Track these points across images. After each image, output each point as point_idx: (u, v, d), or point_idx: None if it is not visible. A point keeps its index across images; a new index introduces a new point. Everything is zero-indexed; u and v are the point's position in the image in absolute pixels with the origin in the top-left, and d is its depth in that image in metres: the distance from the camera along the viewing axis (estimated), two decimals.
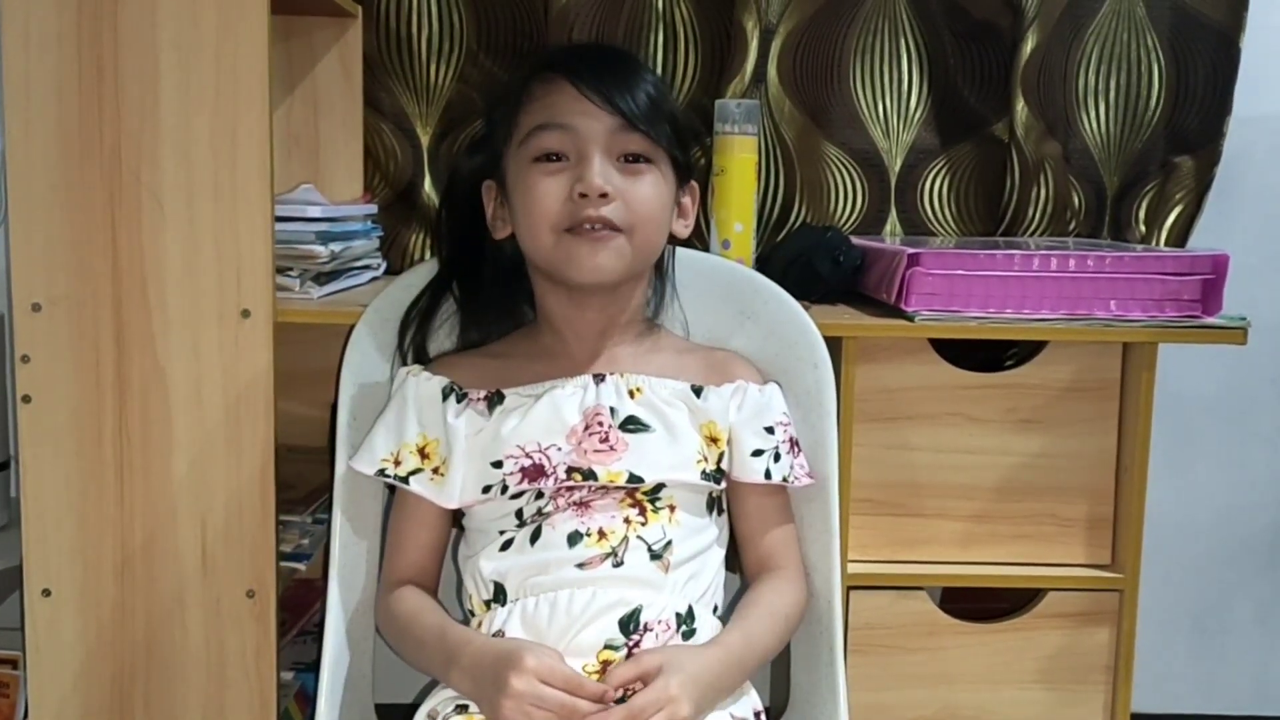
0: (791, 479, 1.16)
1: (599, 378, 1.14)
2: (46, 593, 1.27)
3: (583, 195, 1.08)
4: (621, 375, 1.15)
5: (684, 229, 1.19)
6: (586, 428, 1.12)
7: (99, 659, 1.29)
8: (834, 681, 1.19)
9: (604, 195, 1.08)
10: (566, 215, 1.08)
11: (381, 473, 1.14)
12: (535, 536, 1.10)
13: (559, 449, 1.11)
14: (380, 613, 1.16)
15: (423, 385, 1.15)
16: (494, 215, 1.18)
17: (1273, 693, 1.99)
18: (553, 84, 1.12)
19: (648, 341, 1.20)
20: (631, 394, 1.14)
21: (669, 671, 1.01)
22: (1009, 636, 1.43)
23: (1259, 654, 1.98)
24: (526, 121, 1.11)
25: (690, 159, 1.18)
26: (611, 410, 1.13)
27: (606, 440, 1.11)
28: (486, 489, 1.12)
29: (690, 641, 1.08)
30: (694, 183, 1.20)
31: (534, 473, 1.10)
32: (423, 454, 1.14)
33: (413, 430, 1.14)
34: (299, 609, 1.61)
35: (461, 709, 1.04)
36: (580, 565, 1.08)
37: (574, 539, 1.09)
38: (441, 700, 1.07)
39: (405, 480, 1.14)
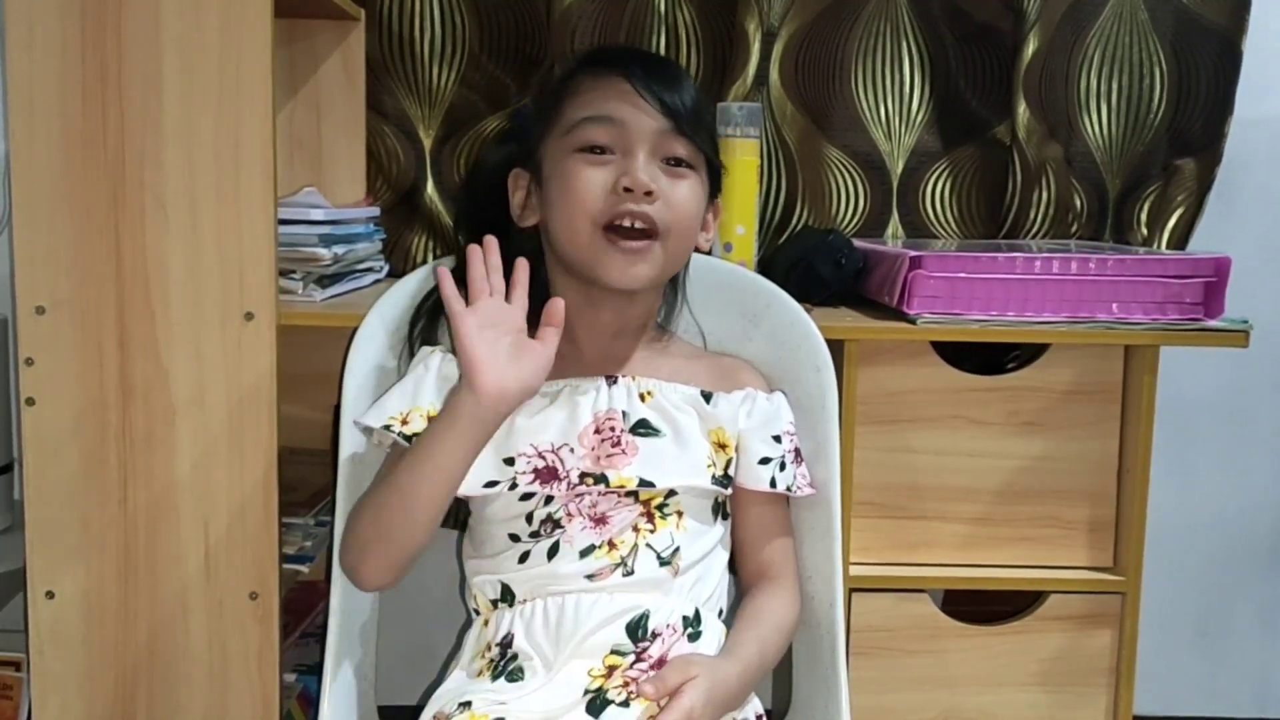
0: (795, 489, 1.16)
1: (611, 379, 1.15)
2: (50, 595, 1.28)
3: (627, 190, 1.08)
4: (633, 378, 1.15)
5: (705, 242, 1.19)
6: (598, 430, 1.12)
7: (102, 661, 1.29)
8: (836, 684, 1.19)
9: (649, 193, 1.08)
10: (607, 208, 1.08)
11: (387, 428, 1.11)
12: (553, 553, 1.10)
13: (571, 451, 1.11)
14: (346, 535, 1.13)
15: (445, 364, 1.14)
16: (522, 204, 1.18)
17: (1275, 696, 1.99)
18: (604, 79, 1.12)
19: (658, 346, 1.20)
20: (642, 397, 1.14)
21: (697, 687, 1.01)
22: (1011, 639, 1.44)
23: (1261, 657, 1.98)
24: (573, 113, 1.12)
25: (721, 173, 1.19)
26: (623, 414, 1.13)
27: (618, 445, 1.11)
28: (492, 484, 1.11)
29: (696, 644, 1.08)
30: (719, 200, 1.20)
31: (547, 475, 1.10)
32: (432, 420, 1.12)
33: (428, 398, 1.11)
34: (302, 611, 1.61)
35: (465, 706, 1.05)
36: (590, 576, 1.09)
37: (585, 552, 1.09)
38: (446, 700, 1.08)
39: (409, 440, 1.10)
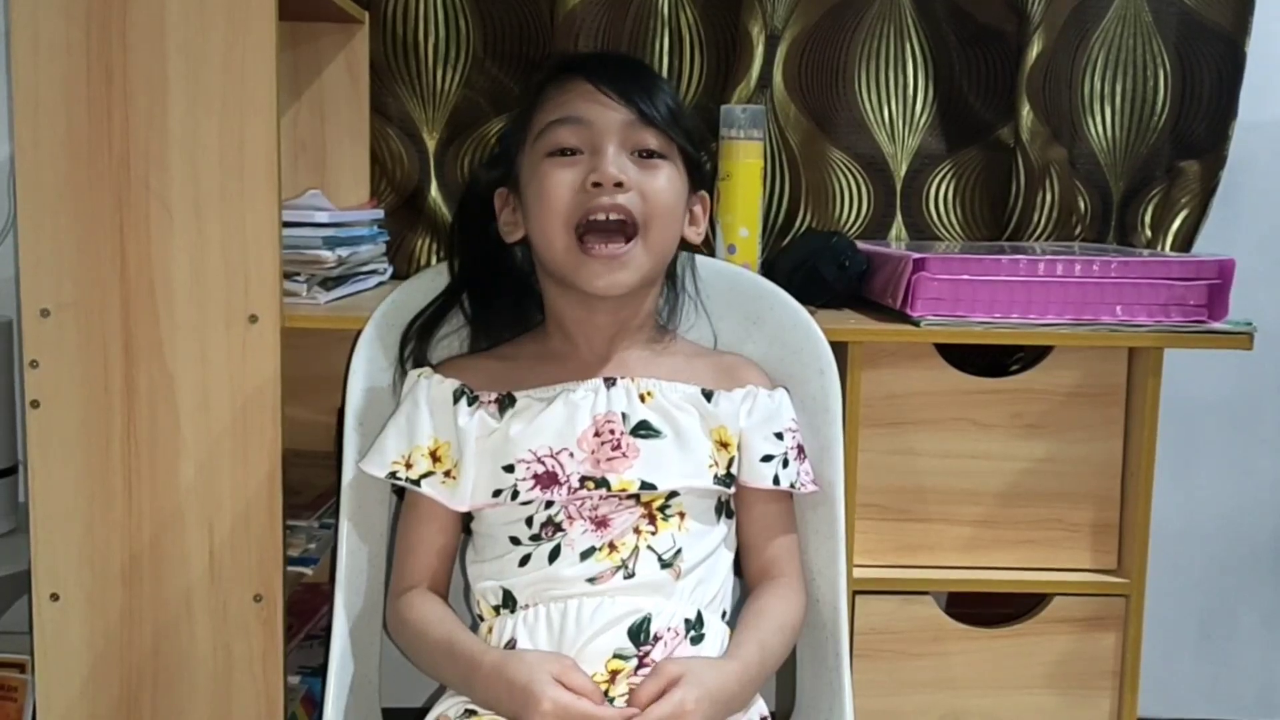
0: (798, 485, 1.16)
1: (610, 381, 1.15)
2: (54, 597, 1.28)
3: (596, 184, 1.08)
4: (632, 379, 1.15)
5: (696, 235, 1.19)
6: (598, 434, 1.12)
7: (106, 663, 1.29)
8: (839, 686, 1.19)
9: (619, 185, 1.08)
10: (579, 206, 1.08)
11: (393, 475, 1.14)
12: (554, 556, 1.10)
13: (571, 455, 1.11)
14: (391, 618, 1.17)
15: (434, 388, 1.15)
16: (506, 220, 1.18)
17: (1278, 698, 1.99)
18: (568, 82, 1.12)
19: (658, 345, 1.20)
20: (642, 398, 1.14)
21: (688, 684, 1.01)
22: (1015, 641, 1.43)
23: (1264, 659, 1.98)
24: (540, 119, 1.12)
25: (702, 164, 1.19)
26: (623, 416, 1.13)
27: (619, 448, 1.11)
28: (497, 493, 1.12)
29: (699, 647, 1.08)
30: (704, 192, 1.20)
31: (546, 480, 1.11)
32: (434, 457, 1.14)
33: (424, 433, 1.14)
34: (306, 613, 1.61)
35: (470, 713, 1.05)
36: (591, 580, 1.09)
37: (586, 554, 1.09)
38: (451, 705, 1.08)
39: (417, 483, 1.14)
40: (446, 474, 1.13)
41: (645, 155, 1.11)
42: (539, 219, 1.11)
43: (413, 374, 1.17)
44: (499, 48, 1.74)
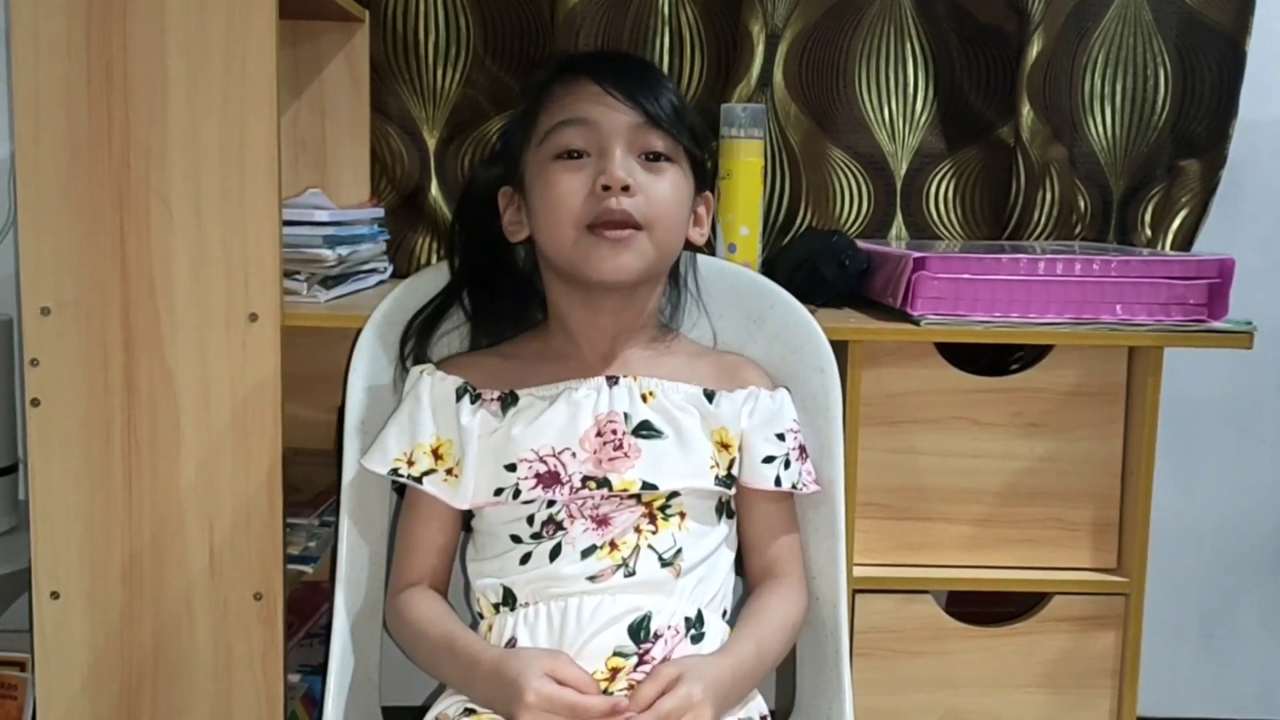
0: (800, 486, 1.17)
1: (612, 381, 1.15)
2: (55, 595, 1.28)
3: (605, 187, 1.08)
4: (635, 379, 1.15)
5: (700, 236, 1.19)
6: (599, 433, 1.12)
7: (107, 661, 1.29)
8: (839, 685, 1.19)
9: (626, 188, 1.08)
10: (588, 211, 1.09)
11: (394, 472, 1.14)
12: (555, 554, 1.10)
13: (573, 454, 1.11)
14: (390, 616, 1.17)
15: (437, 385, 1.15)
16: (511, 220, 1.18)
17: (1278, 697, 1.99)
18: (574, 82, 1.12)
19: (660, 345, 1.20)
20: (644, 398, 1.14)
21: (690, 679, 1.01)
22: (1014, 640, 1.44)
23: (1265, 658, 1.98)
24: (547, 120, 1.12)
25: (706, 164, 1.19)
26: (625, 415, 1.13)
27: (621, 447, 1.11)
28: (499, 492, 1.12)
29: (699, 645, 1.08)
30: (709, 192, 1.20)
31: (548, 479, 1.11)
32: (436, 455, 1.14)
33: (427, 431, 1.14)
34: (306, 611, 1.61)
35: (470, 712, 1.05)
36: (592, 578, 1.09)
37: (587, 552, 1.10)
38: (450, 704, 1.08)
39: (419, 481, 1.14)
40: (448, 472, 1.14)
41: (652, 158, 1.11)
42: (547, 221, 1.11)
43: (415, 371, 1.18)
44: (499, 46, 1.74)
